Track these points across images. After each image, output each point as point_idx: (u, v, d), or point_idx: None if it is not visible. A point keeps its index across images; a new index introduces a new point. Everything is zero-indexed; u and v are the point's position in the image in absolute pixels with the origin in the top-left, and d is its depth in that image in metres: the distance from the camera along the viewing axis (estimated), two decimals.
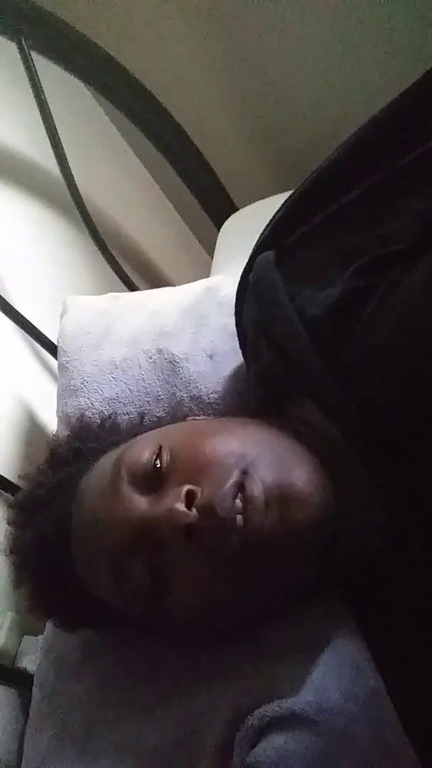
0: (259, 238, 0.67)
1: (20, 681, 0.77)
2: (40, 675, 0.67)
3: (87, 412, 0.76)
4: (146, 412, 0.74)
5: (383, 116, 0.63)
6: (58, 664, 0.65)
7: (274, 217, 0.67)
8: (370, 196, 0.60)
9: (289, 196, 0.66)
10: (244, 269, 0.66)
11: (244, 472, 0.51)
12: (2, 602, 0.81)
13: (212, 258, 1.28)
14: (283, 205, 0.66)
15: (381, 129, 0.62)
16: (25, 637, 0.81)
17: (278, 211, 0.67)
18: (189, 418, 0.70)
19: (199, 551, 0.50)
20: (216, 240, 1.30)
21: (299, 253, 0.63)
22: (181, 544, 0.49)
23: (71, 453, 0.63)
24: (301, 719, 0.48)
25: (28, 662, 0.78)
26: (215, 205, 1.41)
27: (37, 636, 0.80)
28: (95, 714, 0.59)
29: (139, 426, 0.69)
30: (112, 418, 0.71)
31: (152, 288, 0.94)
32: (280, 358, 0.59)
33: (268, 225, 0.67)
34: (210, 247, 1.36)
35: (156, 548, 0.51)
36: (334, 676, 0.50)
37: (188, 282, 0.90)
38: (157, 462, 0.54)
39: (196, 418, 0.69)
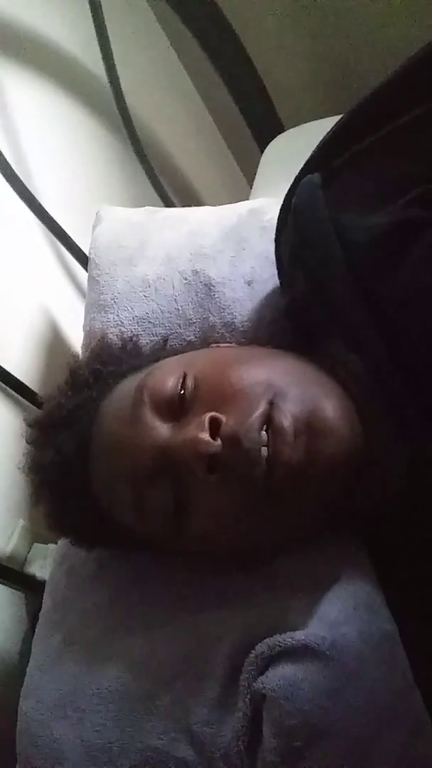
0: (307, 159, 0.62)
1: (28, 586, 0.78)
2: (52, 583, 0.67)
3: (115, 330, 0.74)
4: (176, 335, 0.72)
5: None
6: (71, 574, 0.66)
7: (324, 137, 0.62)
8: (430, 120, 0.56)
9: (342, 116, 0.61)
10: (288, 191, 0.62)
11: (271, 403, 0.49)
12: (13, 510, 0.81)
13: (251, 185, 1.22)
14: (335, 125, 0.61)
15: None
16: (35, 544, 0.82)
17: (329, 131, 0.61)
18: (214, 345, 0.67)
19: (222, 481, 0.49)
20: (257, 166, 1.24)
21: (347, 176, 0.59)
22: (203, 473, 0.48)
23: (91, 375, 0.62)
24: (313, 652, 0.48)
25: (37, 568, 0.79)
26: (262, 125, 1.33)
27: (47, 544, 0.81)
28: (105, 625, 0.60)
29: (162, 350, 0.67)
30: (134, 340, 0.69)
31: (184, 207, 0.89)
32: (314, 287, 0.56)
33: (317, 146, 0.62)
34: (250, 173, 1.29)
35: (178, 476, 0.51)
36: (349, 615, 0.50)
37: (222, 204, 0.85)
38: (182, 389, 0.52)
39: (221, 345, 0.67)
